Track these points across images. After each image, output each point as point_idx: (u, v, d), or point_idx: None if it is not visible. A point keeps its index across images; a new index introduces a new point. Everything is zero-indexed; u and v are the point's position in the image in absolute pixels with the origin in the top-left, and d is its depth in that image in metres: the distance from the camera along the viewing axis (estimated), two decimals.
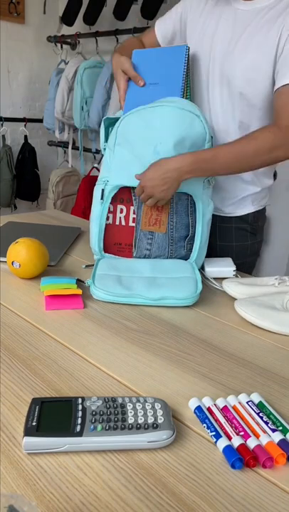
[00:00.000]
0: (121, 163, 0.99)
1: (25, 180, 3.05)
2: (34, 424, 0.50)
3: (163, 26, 1.15)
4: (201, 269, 1.04)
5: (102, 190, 1.00)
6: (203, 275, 1.03)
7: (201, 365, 0.68)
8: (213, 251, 1.17)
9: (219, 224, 1.17)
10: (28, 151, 3.05)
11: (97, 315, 0.82)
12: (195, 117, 0.94)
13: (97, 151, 2.85)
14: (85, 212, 2.79)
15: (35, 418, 0.51)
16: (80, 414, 0.52)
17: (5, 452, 0.49)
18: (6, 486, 0.45)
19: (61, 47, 2.97)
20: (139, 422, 0.51)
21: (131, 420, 0.51)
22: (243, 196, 1.15)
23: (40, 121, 3.08)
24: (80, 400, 0.54)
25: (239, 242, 1.19)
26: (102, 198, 1.00)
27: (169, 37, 1.15)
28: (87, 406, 0.53)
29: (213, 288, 0.98)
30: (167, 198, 0.95)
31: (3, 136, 2.99)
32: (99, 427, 0.50)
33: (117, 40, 2.58)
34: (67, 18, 2.79)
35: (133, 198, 1.01)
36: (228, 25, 1.02)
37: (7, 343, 0.70)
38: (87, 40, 2.90)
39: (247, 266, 1.22)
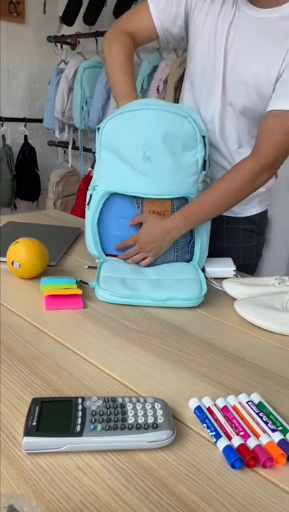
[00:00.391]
0: (110, 168, 0.98)
1: (25, 180, 3.05)
2: (34, 424, 0.50)
3: (161, 7, 1.03)
4: (201, 269, 1.04)
5: (90, 196, 1.01)
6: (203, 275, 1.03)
7: (201, 365, 0.68)
8: (220, 253, 1.16)
9: (226, 225, 1.17)
10: (28, 151, 3.05)
11: (97, 315, 0.82)
12: (182, 119, 0.93)
13: None
14: (85, 213, 2.79)
15: (35, 418, 0.51)
16: (80, 414, 0.52)
17: (5, 452, 0.49)
18: (6, 486, 0.45)
19: (61, 47, 2.97)
20: (139, 422, 0.51)
21: (131, 420, 0.51)
22: (249, 197, 1.15)
23: (40, 121, 3.08)
24: (80, 400, 0.54)
25: (245, 243, 1.19)
26: (88, 203, 1.01)
27: (170, 22, 1.04)
28: (87, 406, 0.53)
29: (213, 288, 0.98)
30: (158, 255, 0.99)
31: (3, 136, 2.99)
32: (99, 427, 0.50)
33: None
34: (67, 18, 2.79)
35: (136, 205, 1.01)
36: (242, 32, 0.96)
37: (7, 343, 0.70)
38: (87, 40, 2.90)
39: (252, 267, 1.23)
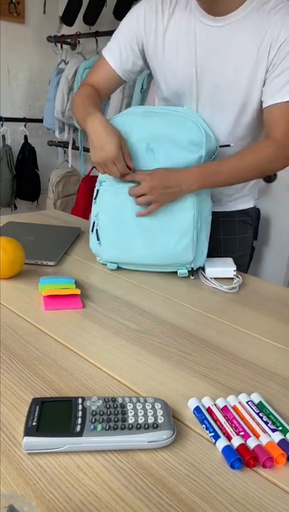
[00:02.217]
0: None
1: (25, 180, 3.05)
2: (34, 424, 0.50)
3: (118, 54, 1.07)
4: (201, 269, 1.04)
5: (97, 191, 1.01)
6: (203, 275, 1.03)
7: (201, 365, 0.68)
8: (218, 245, 1.21)
9: (222, 218, 1.19)
10: (28, 151, 3.05)
11: (97, 315, 0.82)
12: (185, 118, 0.96)
13: None
14: (85, 213, 2.79)
15: (36, 418, 0.51)
16: (80, 414, 0.52)
17: (5, 452, 0.49)
18: (6, 486, 0.45)
19: (61, 47, 2.97)
20: (139, 422, 0.51)
21: (131, 420, 0.51)
22: (245, 193, 1.20)
23: (40, 121, 3.08)
24: (80, 400, 0.54)
25: (242, 234, 1.23)
26: (95, 198, 1.02)
27: (130, 65, 1.08)
28: (87, 406, 0.53)
29: (213, 288, 0.98)
30: (163, 204, 0.95)
31: (3, 136, 2.99)
32: (99, 427, 0.50)
33: None
34: (67, 18, 2.79)
35: None
36: (208, 47, 0.98)
37: (7, 343, 0.70)
38: (87, 40, 2.90)
39: (247, 257, 1.28)
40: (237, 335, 0.79)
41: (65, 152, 3.24)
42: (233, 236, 1.22)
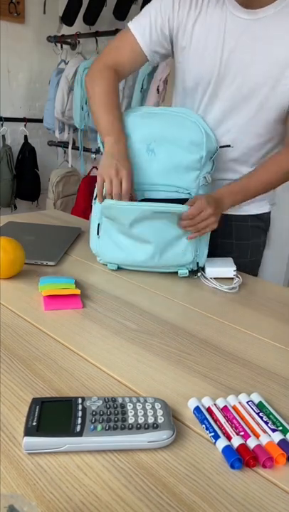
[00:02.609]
0: None
1: (25, 180, 3.05)
2: (34, 424, 0.50)
3: (148, 32, 1.02)
4: (201, 269, 1.04)
5: None
6: (203, 275, 1.03)
7: (201, 365, 0.68)
8: (230, 249, 1.19)
9: (235, 223, 1.19)
10: (28, 151, 3.05)
11: (97, 315, 0.82)
12: (185, 119, 0.96)
13: (97, 151, 2.85)
14: (85, 212, 2.79)
15: (36, 418, 0.51)
16: (80, 414, 0.52)
17: (5, 452, 0.49)
18: (6, 486, 0.45)
19: (61, 47, 2.97)
20: (139, 422, 0.51)
21: (131, 420, 0.51)
22: (261, 196, 1.17)
23: (40, 121, 3.08)
24: (80, 400, 0.54)
25: (254, 239, 1.22)
26: (94, 198, 1.01)
27: (157, 45, 1.04)
28: (87, 406, 0.53)
29: (213, 288, 0.98)
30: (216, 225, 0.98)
31: (3, 136, 2.99)
32: (99, 427, 0.50)
33: None
34: (67, 18, 2.79)
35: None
36: (238, 39, 0.96)
37: (7, 343, 0.70)
38: (87, 40, 2.90)
39: (258, 263, 1.26)
40: (237, 335, 0.79)
41: (65, 152, 3.24)
42: (246, 241, 1.20)
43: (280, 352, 0.74)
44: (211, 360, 0.70)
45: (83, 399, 0.54)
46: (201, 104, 1.06)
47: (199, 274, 1.03)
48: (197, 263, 1.02)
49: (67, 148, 3.11)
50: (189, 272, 1.02)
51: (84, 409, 0.52)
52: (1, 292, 0.87)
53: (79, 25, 2.81)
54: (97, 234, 1.02)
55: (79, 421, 0.51)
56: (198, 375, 0.66)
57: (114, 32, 2.55)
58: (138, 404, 0.54)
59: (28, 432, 0.49)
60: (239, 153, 1.07)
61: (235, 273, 1.01)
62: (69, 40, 2.99)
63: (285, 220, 2.32)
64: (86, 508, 0.43)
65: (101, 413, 0.52)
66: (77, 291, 0.86)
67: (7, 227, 1.26)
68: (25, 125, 3.09)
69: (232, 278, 1.01)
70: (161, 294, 0.94)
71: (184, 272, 1.01)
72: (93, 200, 1.03)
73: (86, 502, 0.44)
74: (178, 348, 0.73)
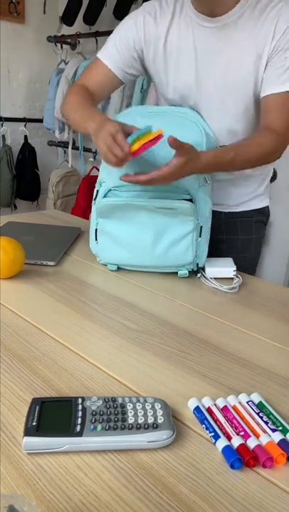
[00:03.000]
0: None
1: (25, 180, 3.05)
2: (34, 424, 0.50)
3: (115, 53, 1.06)
4: (202, 269, 1.04)
5: (97, 192, 1.01)
6: (203, 275, 1.03)
7: (201, 365, 0.68)
8: (236, 245, 1.22)
9: (240, 219, 1.21)
10: (28, 151, 3.05)
11: (97, 315, 0.82)
12: (184, 119, 0.96)
13: (97, 152, 2.85)
14: (85, 212, 2.79)
15: (35, 418, 0.51)
16: (80, 414, 0.52)
17: (5, 452, 0.49)
18: (6, 486, 0.45)
19: (61, 47, 2.97)
20: (139, 422, 0.51)
21: (131, 420, 0.51)
22: (262, 191, 1.22)
23: (40, 121, 3.08)
24: (80, 400, 0.54)
25: (257, 234, 1.25)
26: (94, 199, 1.01)
27: (126, 67, 1.07)
28: (87, 406, 0.53)
29: (213, 288, 0.98)
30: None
31: (3, 136, 2.99)
32: (99, 427, 0.50)
33: None
34: (67, 18, 2.79)
35: None
36: (207, 49, 0.98)
37: (7, 343, 0.70)
38: (87, 40, 2.90)
39: (259, 256, 1.29)
40: (237, 335, 0.79)
41: (65, 152, 3.24)
42: (250, 236, 1.23)
43: (280, 352, 0.74)
44: (211, 360, 0.70)
45: (83, 399, 0.54)
46: None
47: (199, 274, 1.03)
48: (197, 264, 1.02)
49: (67, 148, 3.11)
50: (189, 272, 1.02)
51: (84, 410, 0.52)
52: (1, 292, 0.87)
53: (79, 25, 2.81)
54: (96, 239, 1.02)
55: (79, 421, 0.51)
56: (198, 375, 0.66)
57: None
58: (138, 404, 0.54)
59: (28, 432, 0.49)
60: None
61: (235, 273, 1.01)
62: (69, 40, 2.99)
63: (285, 220, 2.32)
64: (86, 508, 0.43)
65: (101, 413, 0.52)
66: (160, 132, 0.83)
67: (7, 227, 1.26)
68: (25, 125, 3.09)
69: (232, 278, 1.01)
70: (161, 294, 0.94)
71: (183, 272, 1.01)
72: (93, 201, 1.03)
73: (86, 502, 0.44)
74: (178, 348, 0.73)
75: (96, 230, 1.02)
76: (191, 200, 0.97)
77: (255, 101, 1.02)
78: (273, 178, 2.29)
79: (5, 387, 0.59)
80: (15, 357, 0.66)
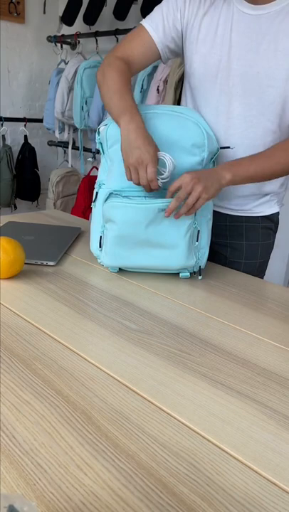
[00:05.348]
0: (116, 167, 0.96)
1: (25, 180, 3.05)
2: None
3: (161, 26, 1.04)
4: (203, 270, 1.04)
5: (96, 193, 1.00)
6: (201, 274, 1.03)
7: (201, 365, 0.68)
8: (240, 250, 1.18)
9: (246, 224, 1.17)
10: (28, 151, 3.05)
11: (97, 315, 0.82)
12: (186, 119, 0.95)
13: (97, 151, 2.85)
14: (85, 212, 2.79)
15: None
16: None
17: (5, 452, 0.49)
18: (6, 486, 0.45)
19: (61, 47, 2.97)
20: None
21: None
22: (271, 197, 1.17)
23: (40, 121, 3.08)
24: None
25: (264, 240, 1.21)
26: (94, 201, 1.01)
27: (169, 39, 1.05)
28: None
29: (213, 288, 0.98)
30: (209, 196, 0.91)
31: (3, 136, 2.99)
32: None
33: (117, 40, 2.58)
34: (67, 18, 2.79)
35: None
36: (244, 34, 0.98)
37: (7, 343, 0.70)
38: (87, 40, 2.90)
39: (266, 264, 1.25)
40: (237, 335, 0.79)
41: (65, 152, 3.24)
42: (256, 242, 1.19)
43: (280, 352, 0.74)
44: (210, 359, 0.70)
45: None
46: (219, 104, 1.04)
47: (200, 277, 1.02)
48: (199, 266, 1.02)
49: (67, 148, 3.11)
50: (191, 273, 1.02)
51: None
52: (1, 292, 0.87)
53: (79, 25, 2.82)
54: (99, 246, 1.01)
55: None
56: (198, 375, 0.66)
57: (114, 32, 2.55)
58: None
59: None
60: (243, 153, 1.05)
61: None
62: (69, 40, 2.99)
63: (285, 220, 2.32)
64: (86, 508, 0.43)
65: None
66: None
67: (7, 227, 1.26)
68: (25, 125, 3.09)
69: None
70: (161, 294, 0.94)
71: (185, 274, 1.01)
72: (92, 203, 1.03)
73: (86, 502, 0.44)
74: (178, 348, 0.73)
75: (100, 236, 1.00)
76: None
77: (284, 98, 0.99)
78: None
79: (5, 387, 0.59)
80: (15, 357, 0.66)
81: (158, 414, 0.57)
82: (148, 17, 1.07)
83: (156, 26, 1.05)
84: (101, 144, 0.99)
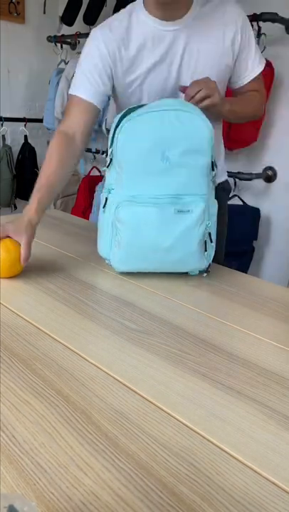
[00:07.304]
0: (127, 172, 0.94)
1: (25, 180, 3.05)
2: None
3: (88, 86, 1.07)
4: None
5: (106, 199, 0.98)
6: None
7: (201, 365, 0.68)
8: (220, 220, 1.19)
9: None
10: (28, 151, 3.05)
11: (97, 315, 0.82)
12: (195, 116, 0.92)
13: (97, 151, 2.85)
14: (85, 212, 2.79)
15: None
16: None
17: (5, 452, 0.49)
18: (6, 486, 0.45)
19: (61, 47, 2.97)
20: None
21: None
22: (220, 161, 1.27)
23: (40, 121, 3.08)
24: None
25: (224, 208, 1.29)
26: (104, 207, 0.99)
27: (101, 95, 1.09)
28: None
29: (213, 288, 0.98)
30: (215, 102, 1.01)
31: (3, 136, 2.99)
32: None
33: None
34: (67, 18, 2.79)
35: None
36: (172, 50, 1.05)
37: (7, 343, 0.70)
38: None
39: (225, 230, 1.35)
40: (237, 335, 0.79)
41: None
42: (223, 210, 1.19)
43: (280, 352, 0.74)
44: (211, 360, 0.70)
45: None
46: None
47: (205, 274, 1.02)
48: (209, 264, 1.02)
49: None
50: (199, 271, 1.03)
51: None
52: (1, 292, 0.87)
53: (79, 25, 2.81)
54: (110, 249, 1.00)
55: None
56: (198, 375, 0.66)
57: None
58: None
59: None
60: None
61: None
62: (69, 40, 2.98)
63: (285, 220, 2.32)
64: (86, 508, 0.43)
65: None
66: None
67: None
68: (25, 125, 3.09)
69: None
70: (161, 294, 0.94)
71: (194, 272, 1.02)
72: (102, 209, 1.00)
73: (86, 502, 0.44)
74: (178, 348, 0.73)
75: (118, 238, 0.98)
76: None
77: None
78: (273, 178, 2.29)
79: (5, 387, 0.59)
80: (15, 357, 0.66)
81: (158, 414, 0.57)
82: (72, 86, 1.10)
83: (85, 88, 1.07)
84: (112, 146, 0.96)
